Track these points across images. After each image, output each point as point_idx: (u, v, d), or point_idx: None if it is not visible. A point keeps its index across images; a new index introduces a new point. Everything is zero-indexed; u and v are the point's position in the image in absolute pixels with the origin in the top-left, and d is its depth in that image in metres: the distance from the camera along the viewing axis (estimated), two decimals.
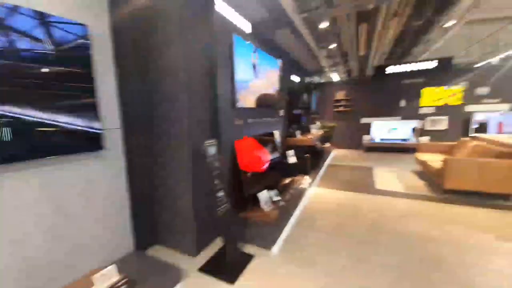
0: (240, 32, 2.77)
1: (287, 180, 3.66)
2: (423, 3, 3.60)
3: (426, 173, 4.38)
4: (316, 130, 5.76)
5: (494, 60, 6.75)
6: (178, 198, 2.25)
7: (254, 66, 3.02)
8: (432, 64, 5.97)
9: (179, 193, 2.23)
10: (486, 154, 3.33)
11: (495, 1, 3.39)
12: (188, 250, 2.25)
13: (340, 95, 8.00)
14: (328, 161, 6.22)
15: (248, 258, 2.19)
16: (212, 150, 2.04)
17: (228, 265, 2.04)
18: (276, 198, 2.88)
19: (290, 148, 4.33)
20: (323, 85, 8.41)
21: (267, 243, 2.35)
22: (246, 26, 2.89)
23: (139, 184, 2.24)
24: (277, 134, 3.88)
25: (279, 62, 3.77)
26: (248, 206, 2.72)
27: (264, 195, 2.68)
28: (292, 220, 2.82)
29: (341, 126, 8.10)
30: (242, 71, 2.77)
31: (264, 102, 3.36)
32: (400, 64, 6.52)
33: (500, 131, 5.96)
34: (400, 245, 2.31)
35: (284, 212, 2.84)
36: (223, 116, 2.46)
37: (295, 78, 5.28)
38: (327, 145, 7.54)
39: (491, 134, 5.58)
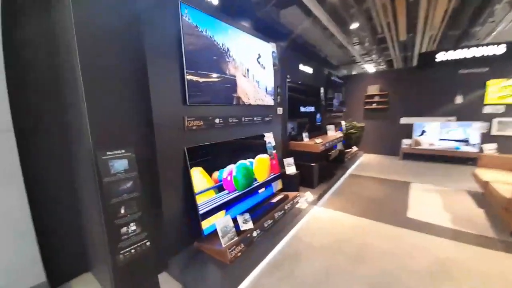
0: (197, 3, 2.08)
1: (277, 198, 2.85)
2: None
3: (488, 199, 3.04)
4: (333, 132, 4.72)
5: None
6: (93, 223, 1.70)
7: (226, 51, 2.30)
8: (500, 50, 4.35)
9: (93, 217, 1.68)
10: None
11: None
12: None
13: (373, 89, 6.62)
14: (351, 170, 5.10)
15: None
16: (119, 166, 1.42)
17: None
18: (246, 226, 2.13)
19: (290, 155, 3.48)
20: (351, 78, 7.12)
21: None
22: None
23: (49, 200, 1.76)
24: (270, 137, 3.09)
25: (271, 46, 2.96)
26: (204, 236, 2.04)
27: (223, 223, 1.96)
28: (265, 262, 2.03)
29: (373, 127, 6.73)
30: (203, 56, 2.08)
31: (246, 97, 2.61)
32: (455, 49, 4.97)
33: None
34: None
35: (255, 248, 2.07)
36: (163, 116, 1.82)
37: (307, 69, 4.34)
38: (354, 149, 6.32)
39: None
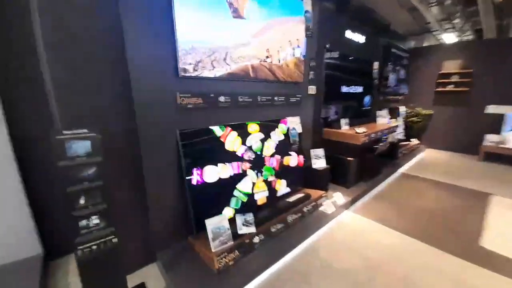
0: None
1: (296, 196, 2.36)
2: None
3: None
4: (385, 120, 3.78)
5: None
6: None
7: (235, 9, 1.79)
8: None
9: None
10: None
11: None
12: None
13: (451, 66, 5.07)
14: (404, 168, 4.12)
15: None
16: (79, 148, 1.18)
17: None
18: (246, 230, 1.77)
19: (324, 146, 2.87)
20: (420, 51, 5.61)
21: None
22: None
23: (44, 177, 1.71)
24: (295, 122, 2.54)
25: (305, 3, 2.27)
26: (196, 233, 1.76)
27: (215, 223, 1.63)
28: (262, 279, 1.64)
29: (444, 115, 5.29)
30: (200, 14, 1.64)
31: (264, 72, 2.10)
32: None
33: None
34: None
35: (254, 258, 1.70)
36: (146, 91, 1.50)
37: (357, 37, 3.42)
38: (413, 142, 5.13)
39: None
